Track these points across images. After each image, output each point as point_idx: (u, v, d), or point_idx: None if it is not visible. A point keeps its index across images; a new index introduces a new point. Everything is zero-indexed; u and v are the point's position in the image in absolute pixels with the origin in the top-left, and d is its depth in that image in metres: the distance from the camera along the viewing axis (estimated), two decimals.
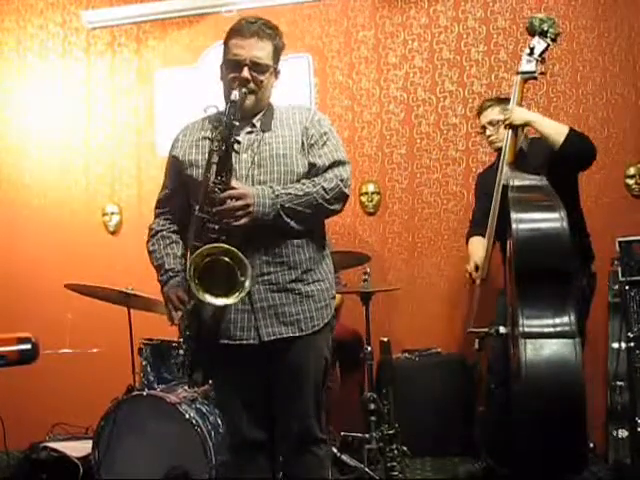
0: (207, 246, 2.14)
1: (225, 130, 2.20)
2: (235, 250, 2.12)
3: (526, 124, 3.12)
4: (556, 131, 3.05)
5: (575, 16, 4.17)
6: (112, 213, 4.60)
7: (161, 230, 2.45)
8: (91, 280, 3.60)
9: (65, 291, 3.58)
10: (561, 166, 2.99)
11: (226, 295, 2.13)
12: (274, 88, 2.43)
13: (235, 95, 2.24)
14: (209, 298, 2.13)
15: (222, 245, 2.14)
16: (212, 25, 4.51)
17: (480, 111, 3.52)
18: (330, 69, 4.44)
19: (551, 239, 2.69)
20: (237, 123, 2.21)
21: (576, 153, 3.02)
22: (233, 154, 2.23)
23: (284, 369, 2.32)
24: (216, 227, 2.19)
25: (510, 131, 3.13)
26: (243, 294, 2.13)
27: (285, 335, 2.27)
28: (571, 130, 3.05)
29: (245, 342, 2.27)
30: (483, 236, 3.43)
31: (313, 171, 2.33)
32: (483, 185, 3.58)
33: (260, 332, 2.26)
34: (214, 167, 2.20)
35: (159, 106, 4.59)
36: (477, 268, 3.35)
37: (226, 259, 2.12)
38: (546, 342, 2.60)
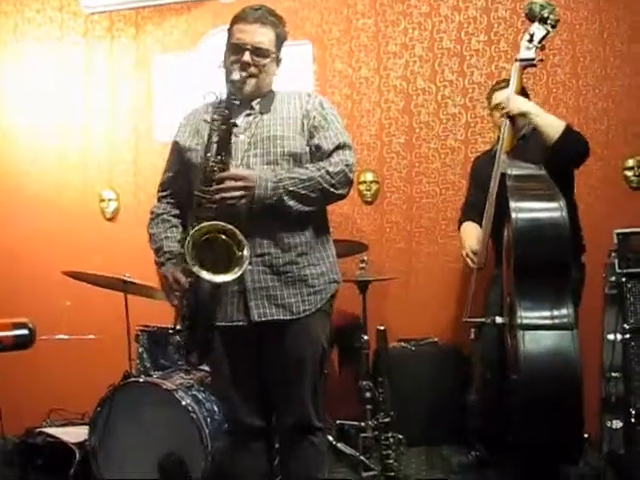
0: (205, 223, 2.15)
1: (224, 109, 2.21)
2: (232, 227, 2.12)
3: (522, 114, 3.09)
4: (552, 126, 3.02)
5: (576, 6, 4.15)
6: (109, 199, 4.58)
7: (162, 213, 2.48)
8: (88, 266, 3.60)
9: (62, 277, 3.58)
10: (554, 160, 2.97)
11: (224, 272, 2.13)
12: (275, 76, 2.44)
13: (236, 75, 2.26)
14: (206, 274, 2.13)
15: (219, 223, 2.14)
16: (211, 11, 4.48)
17: (492, 92, 3.48)
18: (330, 57, 4.42)
19: (551, 229, 2.69)
20: (237, 102, 2.22)
21: (569, 151, 2.98)
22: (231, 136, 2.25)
23: (279, 355, 2.33)
24: (214, 206, 2.20)
25: (508, 119, 3.12)
26: (243, 269, 2.13)
27: (276, 317, 2.28)
28: (567, 127, 3.02)
29: (236, 323, 2.28)
30: (475, 222, 3.42)
31: (318, 154, 2.34)
32: (478, 171, 3.56)
33: (251, 313, 2.27)
34: (214, 146, 2.22)
35: (157, 92, 4.56)
36: (474, 254, 3.32)
37: (223, 237, 2.13)
38: (545, 334, 2.60)
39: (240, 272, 2.13)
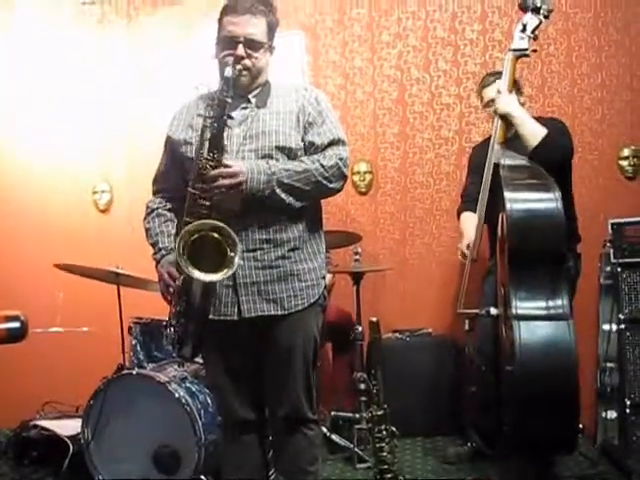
0: (196, 222, 2.15)
1: (218, 107, 2.19)
2: (224, 226, 2.12)
3: (506, 116, 3.08)
4: (532, 134, 3.00)
5: None
6: (102, 191, 4.56)
7: (157, 208, 2.47)
8: (82, 258, 3.58)
9: (55, 270, 3.56)
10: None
11: (215, 271, 2.13)
12: (269, 65, 2.41)
13: (229, 72, 2.22)
14: (197, 274, 2.14)
15: (211, 221, 2.14)
16: (204, 1, 4.44)
17: (483, 86, 3.46)
18: (323, 47, 4.39)
19: (546, 220, 2.68)
20: (230, 100, 2.19)
21: (546, 160, 2.97)
22: (226, 129, 2.23)
23: (273, 349, 2.32)
24: (207, 203, 2.19)
25: None
26: (232, 270, 2.13)
27: (267, 313, 2.27)
28: (547, 136, 2.99)
29: (227, 318, 2.27)
30: (475, 212, 3.41)
31: (312, 150, 2.33)
32: (477, 159, 3.54)
33: (241, 308, 2.26)
34: (206, 144, 2.20)
35: (150, 82, 4.53)
36: (469, 247, 3.32)
37: (215, 235, 2.12)
38: (540, 324, 2.60)
39: (231, 272, 2.13)
